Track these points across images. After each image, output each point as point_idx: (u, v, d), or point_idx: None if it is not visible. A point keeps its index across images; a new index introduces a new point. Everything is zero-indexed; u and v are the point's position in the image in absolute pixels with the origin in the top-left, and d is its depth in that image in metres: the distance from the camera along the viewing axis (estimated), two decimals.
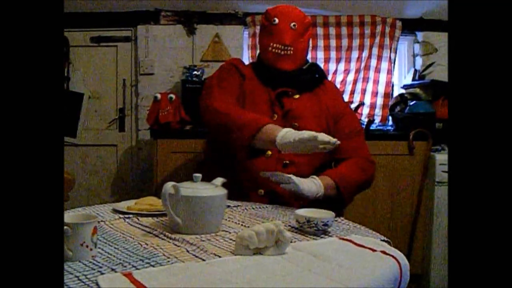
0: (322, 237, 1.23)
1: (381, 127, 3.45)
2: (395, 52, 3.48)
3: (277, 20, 1.83)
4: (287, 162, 1.79)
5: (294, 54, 1.84)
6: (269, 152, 1.78)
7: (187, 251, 1.09)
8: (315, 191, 1.64)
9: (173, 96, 3.17)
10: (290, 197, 1.68)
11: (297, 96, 1.88)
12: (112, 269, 0.95)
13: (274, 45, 1.83)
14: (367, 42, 3.44)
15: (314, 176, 1.70)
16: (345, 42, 3.46)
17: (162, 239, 1.18)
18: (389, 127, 3.44)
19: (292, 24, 1.83)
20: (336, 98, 1.97)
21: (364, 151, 1.91)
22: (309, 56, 3.42)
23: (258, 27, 3.31)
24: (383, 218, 3.06)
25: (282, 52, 1.82)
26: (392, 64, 3.48)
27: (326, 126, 1.86)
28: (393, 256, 1.08)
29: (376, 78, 3.49)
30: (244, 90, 1.87)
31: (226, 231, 1.26)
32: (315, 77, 1.94)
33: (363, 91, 3.52)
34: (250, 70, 1.95)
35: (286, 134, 1.54)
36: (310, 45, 3.37)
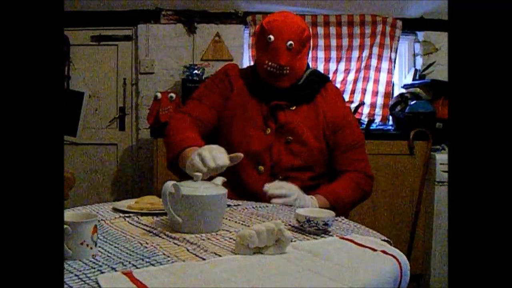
0: (322, 237, 1.23)
1: (381, 127, 3.46)
2: (396, 52, 3.48)
3: (272, 38, 1.71)
4: (281, 178, 1.73)
5: (291, 72, 1.74)
6: (262, 168, 1.75)
7: (187, 250, 1.09)
8: None
9: (173, 95, 3.17)
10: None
11: (293, 108, 1.80)
12: (112, 268, 0.95)
13: (269, 63, 1.72)
14: (367, 41, 3.45)
15: (313, 196, 1.66)
16: (345, 41, 3.46)
17: (162, 238, 1.18)
18: (390, 127, 3.44)
19: (288, 44, 1.71)
20: (337, 106, 1.85)
21: (363, 164, 1.83)
22: (309, 56, 3.44)
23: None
24: (384, 217, 3.07)
25: (278, 72, 1.73)
26: (393, 64, 3.49)
27: (323, 137, 1.80)
28: (393, 256, 1.08)
29: (377, 77, 3.50)
30: (233, 101, 1.81)
31: (227, 230, 1.26)
32: (313, 88, 1.83)
33: (364, 91, 3.52)
34: (243, 79, 1.86)
35: (192, 159, 1.44)
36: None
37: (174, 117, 1.84)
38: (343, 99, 1.98)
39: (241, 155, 1.46)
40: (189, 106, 1.85)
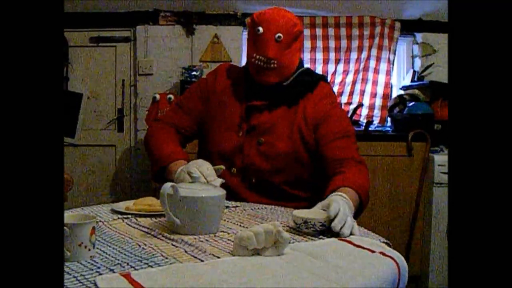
0: (321, 238, 1.23)
1: (380, 128, 3.46)
2: (394, 53, 3.49)
3: (261, 30, 1.67)
4: (254, 180, 1.71)
5: (279, 67, 1.68)
6: (234, 170, 1.72)
7: (186, 251, 1.09)
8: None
9: (172, 96, 3.17)
10: None
11: (273, 109, 1.74)
12: (111, 270, 0.95)
13: (257, 56, 1.68)
14: (366, 43, 3.45)
15: (339, 193, 1.42)
16: (344, 43, 3.46)
17: (161, 239, 1.18)
18: (388, 128, 3.45)
19: (277, 36, 1.66)
20: (320, 104, 1.75)
21: (351, 151, 1.69)
22: (308, 57, 3.44)
23: None
24: (382, 219, 3.07)
25: (265, 65, 1.67)
26: (391, 65, 3.49)
27: (301, 139, 1.71)
28: (391, 257, 1.08)
29: (375, 79, 3.50)
30: (215, 102, 1.79)
31: (225, 232, 1.26)
32: (298, 92, 1.76)
33: (362, 92, 3.53)
34: (232, 78, 1.83)
35: (179, 176, 1.52)
36: (306, 47, 3.39)
37: (153, 127, 1.85)
38: (334, 98, 1.83)
39: (222, 167, 1.56)
40: (169, 113, 1.89)
